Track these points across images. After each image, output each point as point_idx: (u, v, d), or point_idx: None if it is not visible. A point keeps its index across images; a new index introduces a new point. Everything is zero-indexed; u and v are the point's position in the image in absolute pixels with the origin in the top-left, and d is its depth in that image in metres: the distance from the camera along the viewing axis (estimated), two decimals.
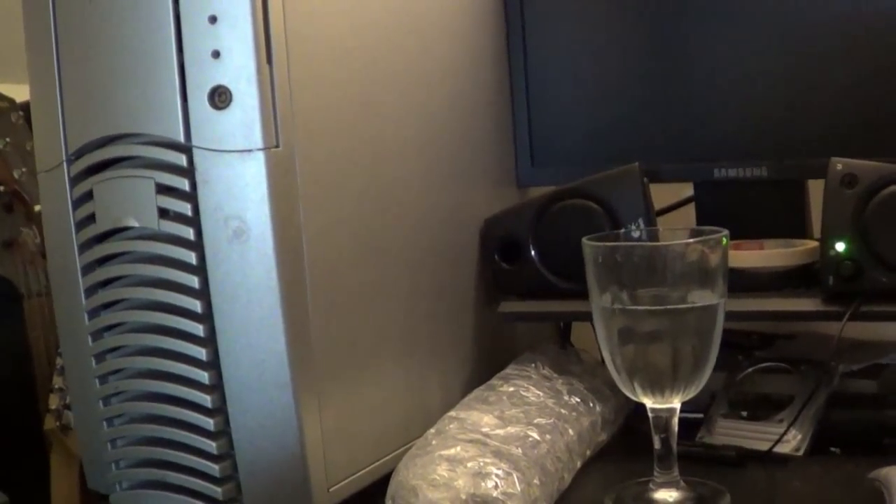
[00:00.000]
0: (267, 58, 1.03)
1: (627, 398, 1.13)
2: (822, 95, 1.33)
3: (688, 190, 1.45)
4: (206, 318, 1.06)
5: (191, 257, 1.06)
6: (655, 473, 1.11)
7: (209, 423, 1.07)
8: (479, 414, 1.18)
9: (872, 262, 1.20)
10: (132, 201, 1.08)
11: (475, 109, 1.40)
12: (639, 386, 1.10)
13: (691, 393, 1.10)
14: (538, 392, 1.25)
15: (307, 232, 1.07)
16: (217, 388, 1.07)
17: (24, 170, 1.44)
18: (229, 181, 1.04)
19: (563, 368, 1.33)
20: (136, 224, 1.08)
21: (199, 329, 1.06)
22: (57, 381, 1.41)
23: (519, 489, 1.06)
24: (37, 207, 1.41)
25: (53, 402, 1.40)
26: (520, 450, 1.11)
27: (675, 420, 1.10)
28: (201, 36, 1.03)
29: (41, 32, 1.11)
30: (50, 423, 1.40)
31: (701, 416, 1.30)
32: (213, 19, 1.03)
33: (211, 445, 1.08)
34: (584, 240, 1.11)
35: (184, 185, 1.05)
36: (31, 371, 1.45)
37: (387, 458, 1.18)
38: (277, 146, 1.04)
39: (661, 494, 1.10)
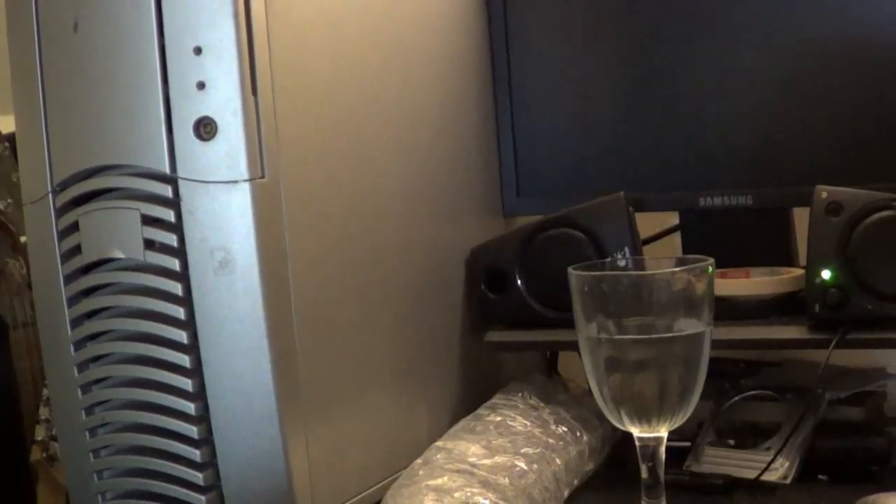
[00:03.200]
0: (252, 89, 1.03)
1: (614, 427, 1.13)
2: (806, 124, 1.34)
3: (673, 219, 1.46)
4: (192, 349, 1.06)
5: (177, 288, 1.06)
6: (643, 502, 1.11)
7: (196, 454, 1.07)
8: (466, 444, 1.18)
9: (858, 290, 1.20)
10: (118, 232, 1.08)
11: (461, 140, 1.41)
12: (626, 415, 1.09)
13: (678, 421, 1.09)
14: (525, 421, 1.25)
15: (293, 263, 1.07)
16: (203, 419, 1.07)
17: (9, 200, 1.44)
18: (215, 212, 1.04)
19: (550, 398, 1.33)
20: (121, 255, 1.08)
21: (185, 360, 1.06)
22: (43, 412, 1.40)
23: None
24: (23, 238, 1.41)
25: (40, 433, 1.40)
26: (507, 479, 1.11)
27: (663, 449, 1.10)
28: (186, 67, 1.03)
29: (26, 63, 1.11)
30: (36, 454, 1.40)
31: (688, 444, 1.30)
32: (198, 51, 1.03)
33: (198, 476, 1.07)
34: (570, 269, 1.10)
35: (169, 216, 1.05)
36: (17, 402, 1.44)
37: (374, 488, 1.18)
38: (263, 177, 1.04)
39: None
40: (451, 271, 1.38)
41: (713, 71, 1.38)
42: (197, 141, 1.04)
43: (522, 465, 1.15)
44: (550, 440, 1.22)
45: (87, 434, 1.13)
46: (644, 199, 1.37)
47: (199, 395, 1.07)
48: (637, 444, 1.10)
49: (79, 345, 1.12)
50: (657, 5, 1.41)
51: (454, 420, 1.28)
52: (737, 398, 1.35)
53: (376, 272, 1.21)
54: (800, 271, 1.29)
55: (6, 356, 1.44)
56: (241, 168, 1.03)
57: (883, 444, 1.26)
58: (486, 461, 1.14)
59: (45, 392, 1.38)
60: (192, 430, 1.07)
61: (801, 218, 1.32)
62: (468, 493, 1.07)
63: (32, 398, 1.44)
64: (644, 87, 1.43)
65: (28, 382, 1.45)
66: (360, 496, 1.16)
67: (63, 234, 1.11)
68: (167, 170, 1.05)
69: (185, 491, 1.08)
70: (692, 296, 1.07)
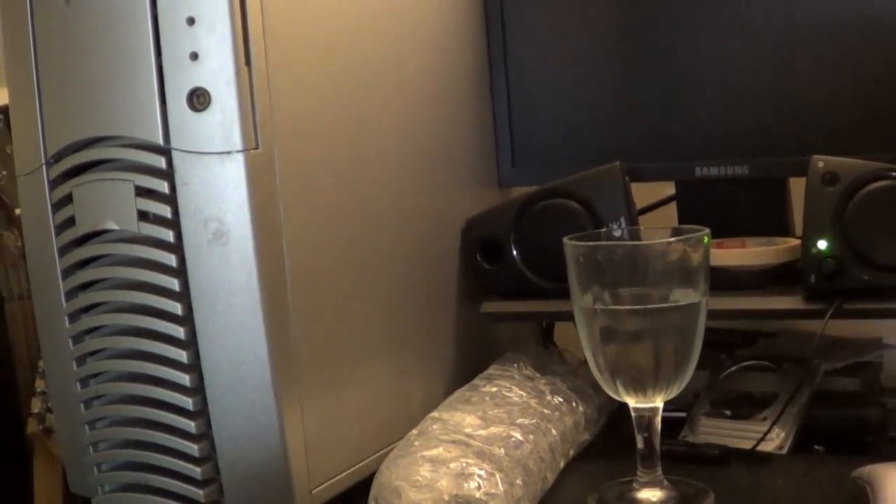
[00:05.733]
0: (245, 59, 1.02)
1: (610, 397, 1.13)
2: (803, 93, 1.33)
3: (669, 189, 1.45)
4: (187, 320, 1.06)
5: (171, 260, 1.06)
6: (639, 473, 1.11)
7: (191, 425, 1.07)
8: (461, 414, 1.18)
9: (854, 260, 1.20)
10: (111, 204, 1.07)
11: (456, 110, 1.40)
12: (621, 385, 1.10)
13: (674, 392, 1.10)
14: (521, 392, 1.25)
15: (287, 233, 1.07)
16: (198, 390, 1.07)
17: (4, 173, 1.44)
18: (209, 183, 1.03)
19: (546, 368, 1.33)
20: (115, 227, 1.08)
21: (179, 332, 1.06)
22: (39, 385, 1.40)
23: (502, 489, 1.06)
24: (17, 210, 1.41)
25: (36, 405, 1.40)
26: (502, 450, 1.11)
27: (658, 419, 1.10)
28: (179, 38, 1.03)
29: (19, 35, 1.10)
30: (32, 426, 1.40)
31: (684, 414, 1.30)
32: (191, 21, 1.02)
33: (193, 448, 1.07)
34: (566, 239, 1.11)
35: (163, 187, 1.05)
36: (13, 374, 1.44)
37: (369, 459, 1.18)
38: (257, 148, 1.03)
39: (644, 494, 1.10)
40: (446, 242, 1.37)
41: (709, 40, 1.37)
42: (190, 112, 1.03)
43: (518, 435, 1.15)
44: (546, 410, 1.22)
45: (82, 406, 1.13)
46: (640, 169, 1.37)
47: (194, 367, 1.06)
48: (633, 414, 1.10)
49: (73, 317, 1.12)
50: None
51: (450, 391, 1.28)
52: (733, 368, 1.35)
53: (371, 243, 1.21)
54: (796, 241, 1.29)
55: (2, 329, 1.45)
56: (235, 139, 1.02)
57: (879, 414, 1.27)
58: (482, 432, 1.14)
59: (41, 364, 1.38)
60: (188, 402, 1.07)
61: (797, 188, 1.32)
62: (464, 464, 1.07)
63: (28, 370, 1.44)
64: (640, 56, 1.42)
65: (24, 355, 1.45)
66: (355, 467, 1.16)
67: (57, 207, 1.11)
68: (161, 141, 1.05)
69: (180, 462, 1.08)
70: (688, 266, 1.07)
